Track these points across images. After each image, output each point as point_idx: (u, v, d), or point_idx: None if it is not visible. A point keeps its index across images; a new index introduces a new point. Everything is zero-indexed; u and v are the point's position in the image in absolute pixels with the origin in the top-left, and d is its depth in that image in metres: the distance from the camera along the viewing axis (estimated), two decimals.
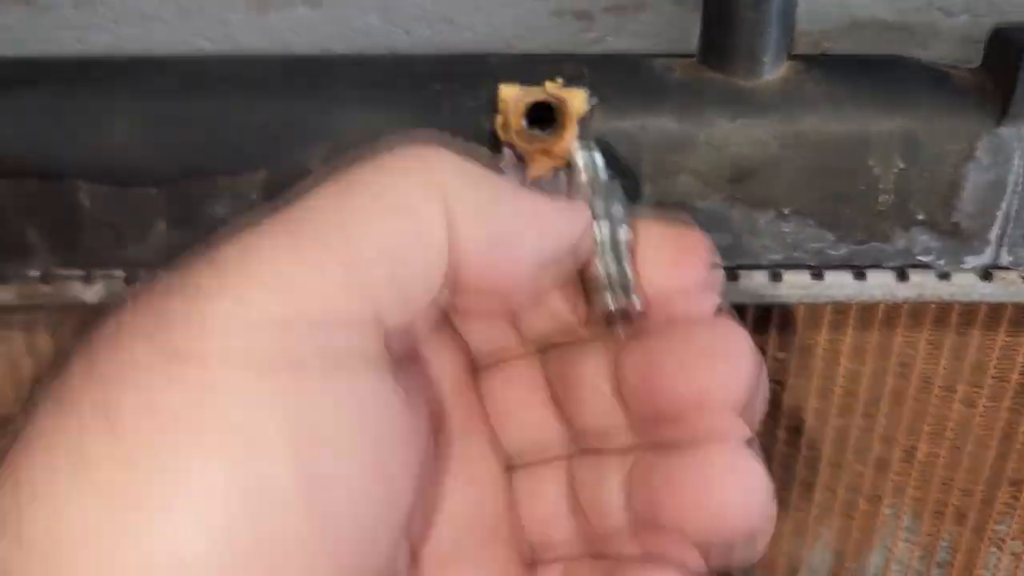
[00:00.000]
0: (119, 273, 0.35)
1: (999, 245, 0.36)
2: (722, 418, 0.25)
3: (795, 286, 0.36)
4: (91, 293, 0.35)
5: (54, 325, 0.37)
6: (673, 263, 0.28)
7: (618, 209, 0.29)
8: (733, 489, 0.25)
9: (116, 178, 0.34)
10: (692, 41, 0.37)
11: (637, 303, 0.28)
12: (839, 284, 0.36)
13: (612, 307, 0.28)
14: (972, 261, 0.36)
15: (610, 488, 0.27)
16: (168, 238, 0.35)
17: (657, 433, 0.27)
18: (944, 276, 0.36)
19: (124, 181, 0.34)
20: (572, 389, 0.29)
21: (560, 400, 0.29)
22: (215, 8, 0.37)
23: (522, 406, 0.30)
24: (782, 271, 0.36)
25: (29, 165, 0.34)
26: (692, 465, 0.25)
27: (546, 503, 0.29)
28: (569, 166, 0.30)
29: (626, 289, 0.28)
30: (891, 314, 0.39)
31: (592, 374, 0.28)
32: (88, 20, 0.37)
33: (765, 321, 0.39)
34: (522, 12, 0.37)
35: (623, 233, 0.28)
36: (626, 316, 0.28)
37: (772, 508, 0.25)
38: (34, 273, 0.35)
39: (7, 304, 0.36)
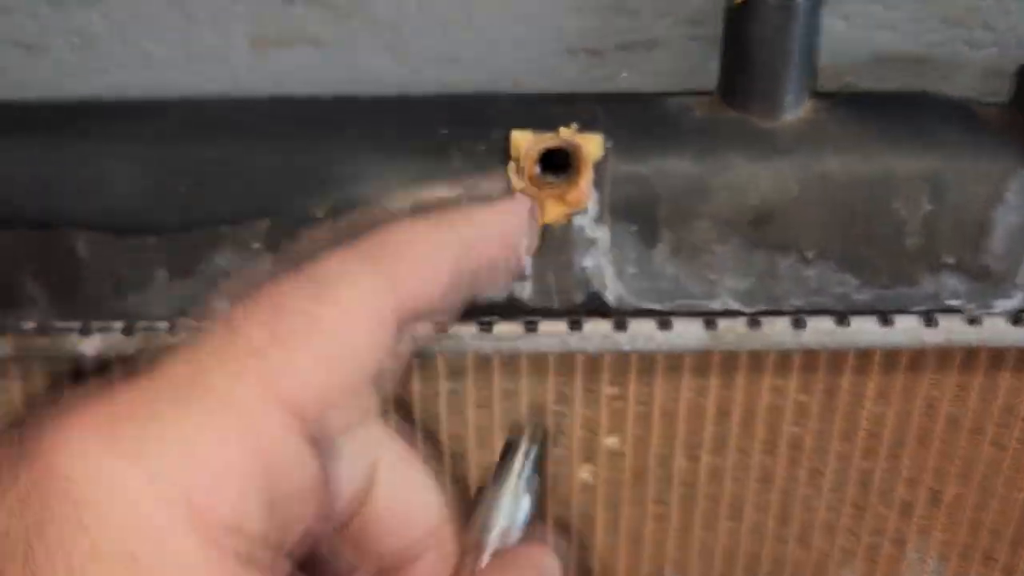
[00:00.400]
0: (117, 325, 0.34)
1: None
2: None
3: (818, 332, 0.35)
4: (89, 345, 0.34)
5: (52, 376, 0.36)
6: None
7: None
8: None
9: (115, 226, 0.33)
10: (707, 77, 0.36)
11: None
12: (864, 330, 0.35)
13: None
14: (1002, 305, 0.35)
15: None
16: (169, 288, 0.34)
17: None
18: (973, 321, 0.35)
19: (123, 229, 0.33)
20: None
21: None
22: (217, 49, 0.36)
23: None
24: (805, 317, 0.35)
25: (26, 213, 0.33)
26: None
27: None
28: None
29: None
30: (918, 357, 0.37)
31: None
32: (88, 63, 0.36)
33: (787, 363, 0.37)
34: (532, 50, 0.36)
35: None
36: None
37: None
38: (30, 325, 0.34)
39: (2, 356, 0.35)
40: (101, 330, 0.34)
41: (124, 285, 0.34)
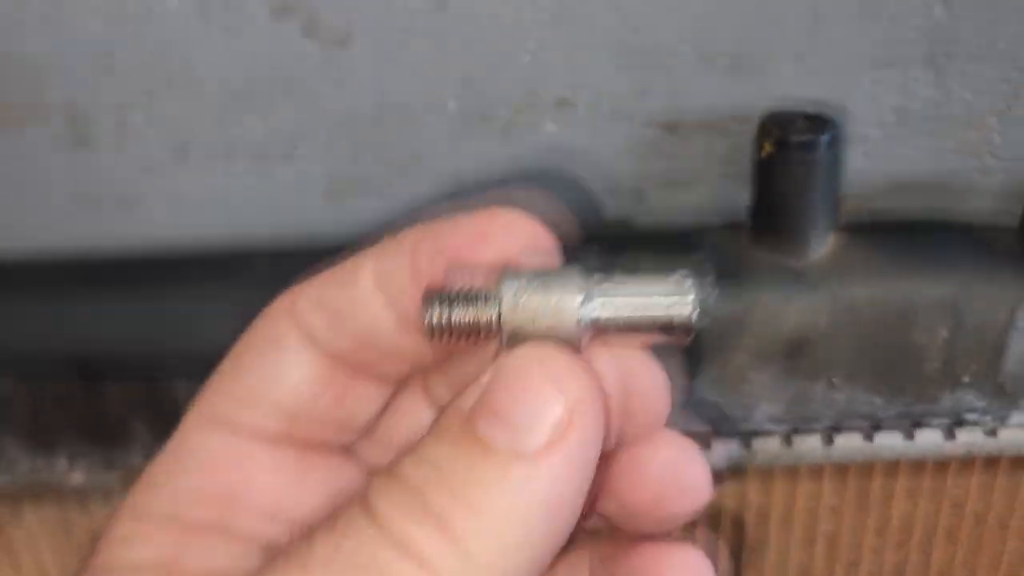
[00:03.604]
0: None
1: None
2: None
3: (847, 448, 0.38)
4: None
5: None
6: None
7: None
8: None
9: (210, 372, 0.37)
10: (738, 210, 0.39)
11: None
12: (889, 445, 0.38)
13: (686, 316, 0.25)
14: (1019, 417, 0.38)
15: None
16: None
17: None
18: (991, 433, 0.38)
19: None
20: None
21: None
22: (295, 200, 0.40)
23: None
24: (834, 434, 0.38)
25: (132, 363, 0.37)
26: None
27: None
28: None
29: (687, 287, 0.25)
30: (942, 461, 0.40)
31: None
32: (178, 217, 0.40)
33: (820, 471, 0.40)
34: (580, 193, 0.40)
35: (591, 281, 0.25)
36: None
37: None
38: (137, 460, 0.38)
39: (110, 486, 0.39)
40: None
41: None
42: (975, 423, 0.38)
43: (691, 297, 0.25)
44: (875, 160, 0.39)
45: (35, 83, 0.37)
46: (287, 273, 0.38)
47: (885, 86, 0.37)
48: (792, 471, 0.40)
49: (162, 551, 0.26)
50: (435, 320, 0.25)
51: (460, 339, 0.26)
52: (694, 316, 0.25)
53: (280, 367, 0.28)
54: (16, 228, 0.39)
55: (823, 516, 0.42)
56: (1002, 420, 0.38)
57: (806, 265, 0.37)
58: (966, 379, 0.37)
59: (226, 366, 0.29)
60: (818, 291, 0.37)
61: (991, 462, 0.40)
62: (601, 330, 0.25)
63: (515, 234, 0.27)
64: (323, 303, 0.28)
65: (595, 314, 0.25)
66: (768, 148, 0.36)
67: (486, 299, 0.25)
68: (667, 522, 0.28)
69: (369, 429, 0.29)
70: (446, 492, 0.23)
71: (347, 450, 0.29)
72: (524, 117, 0.38)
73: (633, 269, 0.26)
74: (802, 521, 0.41)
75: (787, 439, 0.38)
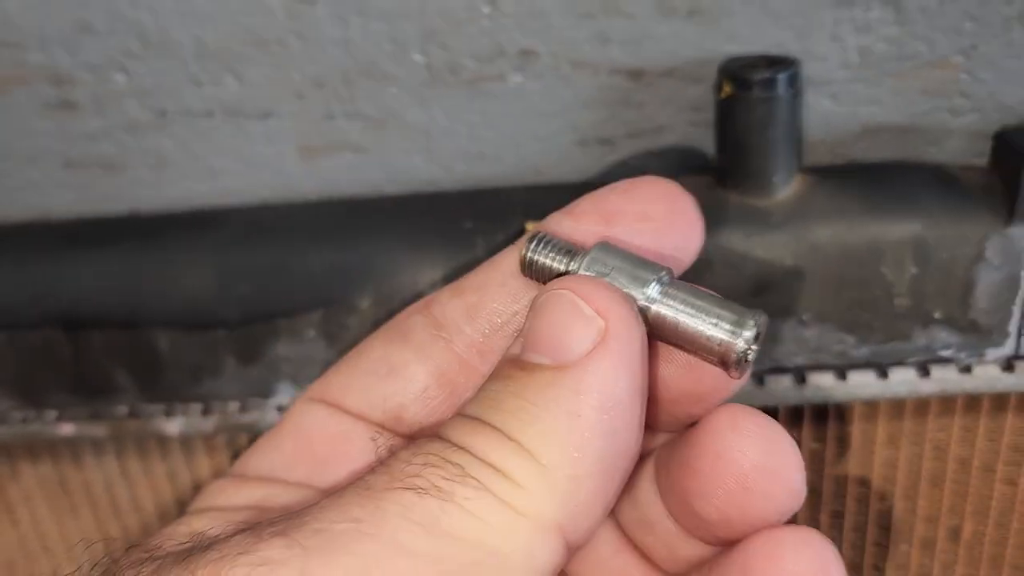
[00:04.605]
0: (197, 406, 0.39)
1: (1020, 335, 0.38)
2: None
3: (820, 388, 0.38)
4: (173, 425, 0.39)
5: (142, 452, 0.41)
6: None
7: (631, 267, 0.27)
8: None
9: (190, 323, 0.38)
10: (707, 157, 0.40)
11: (760, 316, 0.26)
12: (863, 383, 0.38)
13: (752, 336, 0.26)
14: (993, 353, 0.38)
15: None
16: (238, 373, 0.39)
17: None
18: (966, 369, 0.38)
19: (196, 325, 0.38)
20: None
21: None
22: (273, 160, 0.41)
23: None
24: (806, 373, 0.38)
25: (114, 315, 0.38)
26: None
27: None
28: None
29: (748, 317, 0.26)
30: (921, 404, 0.40)
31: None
32: (161, 178, 0.41)
33: (799, 414, 0.40)
34: (549, 143, 0.40)
35: (666, 279, 0.27)
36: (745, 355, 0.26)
37: None
38: (122, 410, 0.39)
39: (100, 438, 0.40)
40: (183, 412, 0.39)
41: (200, 372, 0.39)
42: (949, 360, 0.38)
43: (749, 333, 0.25)
44: (842, 103, 0.40)
45: (16, 47, 0.38)
46: (263, 229, 0.40)
47: (847, 26, 0.38)
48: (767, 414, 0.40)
49: (253, 498, 0.28)
50: (527, 256, 0.28)
51: (542, 281, 0.28)
52: (741, 350, 0.25)
53: (401, 360, 0.29)
54: (1, 190, 0.41)
55: (805, 464, 0.41)
56: (978, 357, 0.38)
57: (771, 205, 0.37)
58: (937, 315, 0.37)
59: (354, 351, 0.31)
60: (783, 230, 0.37)
61: (972, 404, 0.40)
62: (654, 325, 0.26)
63: (657, 200, 0.29)
64: (462, 292, 0.29)
65: (655, 306, 0.26)
66: (728, 89, 0.36)
67: (574, 255, 0.27)
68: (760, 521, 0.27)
69: None
70: (504, 412, 0.24)
71: None
72: (490, 68, 0.39)
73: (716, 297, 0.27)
74: None
75: (759, 379, 0.38)
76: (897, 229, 0.36)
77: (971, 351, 0.38)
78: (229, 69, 0.39)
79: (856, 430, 0.41)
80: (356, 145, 0.41)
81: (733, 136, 0.37)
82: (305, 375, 0.38)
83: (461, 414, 0.25)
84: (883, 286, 0.37)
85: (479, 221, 0.37)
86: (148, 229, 0.39)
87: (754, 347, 0.26)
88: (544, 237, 0.28)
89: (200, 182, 0.41)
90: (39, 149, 0.41)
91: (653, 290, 0.26)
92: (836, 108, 0.40)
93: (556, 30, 0.38)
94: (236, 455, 0.41)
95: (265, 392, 0.39)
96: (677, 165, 0.41)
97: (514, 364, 0.25)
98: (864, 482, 0.42)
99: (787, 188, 0.37)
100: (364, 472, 0.24)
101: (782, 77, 0.36)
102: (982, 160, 0.40)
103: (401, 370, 0.29)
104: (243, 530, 0.23)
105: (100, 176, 0.41)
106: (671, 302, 0.26)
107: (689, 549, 0.30)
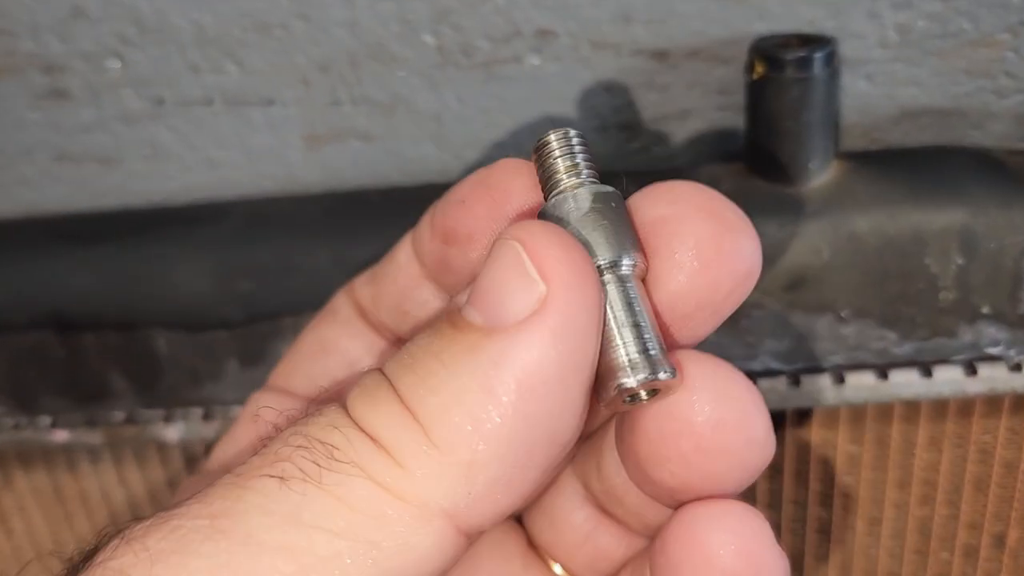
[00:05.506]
0: (197, 411, 0.37)
1: None
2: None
3: (860, 388, 0.36)
4: (172, 431, 0.37)
5: (140, 459, 0.39)
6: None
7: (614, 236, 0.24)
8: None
9: (189, 323, 0.36)
10: (737, 144, 0.37)
11: (667, 373, 0.23)
12: (905, 383, 0.36)
13: (635, 386, 0.23)
14: None
15: None
16: (240, 376, 0.37)
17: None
18: (1016, 368, 0.36)
19: (196, 326, 0.36)
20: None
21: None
22: (275, 148, 0.39)
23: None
24: (845, 373, 0.36)
25: (110, 316, 0.36)
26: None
27: None
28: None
29: (651, 363, 0.23)
30: (965, 404, 0.38)
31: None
32: (158, 171, 0.39)
33: (834, 415, 0.38)
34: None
35: (629, 270, 0.24)
36: (654, 392, 0.23)
37: None
38: (119, 416, 0.37)
39: (96, 445, 0.38)
40: (183, 417, 0.37)
41: (200, 375, 0.37)
42: (998, 358, 0.36)
43: (642, 377, 0.22)
44: (880, 84, 0.37)
45: (5, 34, 0.36)
46: (266, 222, 0.37)
47: (885, 2, 0.35)
48: (802, 416, 0.38)
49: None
50: (535, 156, 0.27)
51: (544, 195, 0.26)
52: (626, 387, 0.23)
53: (331, 336, 0.30)
54: None
55: (840, 467, 0.39)
56: None
57: (805, 193, 0.35)
58: (985, 309, 0.35)
59: (298, 336, 0.32)
60: (819, 220, 0.34)
61: (1019, 403, 0.38)
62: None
63: (515, 177, 0.27)
64: (372, 279, 0.30)
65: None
66: (760, 69, 0.34)
67: (580, 172, 0.26)
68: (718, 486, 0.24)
69: None
70: (414, 374, 0.22)
71: None
72: (505, 50, 0.36)
73: None
74: (816, 473, 0.39)
75: (794, 379, 0.36)
76: (941, 218, 0.34)
77: (1021, 348, 0.35)
78: (229, 54, 0.37)
79: (896, 432, 0.38)
80: (363, 133, 0.38)
81: (765, 120, 0.34)
82: None
83: (377, 369, 0.23)
84: (927, 279, 0.34)
85: None
86: (144, 224, 0.37)
87: (644, 398, 0.23)
88: (558, 140, 0.26)
89: (199, 174, 0.39)
90: (30, 141, 0.39)
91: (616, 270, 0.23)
92: (872, 90, 0.37)
93: (575, 9, 0.36)
94: None
95: None
96: (704, 152, 0.39)
97: (450, 317, 0.22)
98: (903, 487, 0.40)
99: (823, 175, 0.35)
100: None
101: (818, 56, 0.33)
102: None
103: (331, 346, 0.30)
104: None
105: (94, 169, 0.39)
106: (611, 294, 0.23)
107: (663, 517, 0.26)
